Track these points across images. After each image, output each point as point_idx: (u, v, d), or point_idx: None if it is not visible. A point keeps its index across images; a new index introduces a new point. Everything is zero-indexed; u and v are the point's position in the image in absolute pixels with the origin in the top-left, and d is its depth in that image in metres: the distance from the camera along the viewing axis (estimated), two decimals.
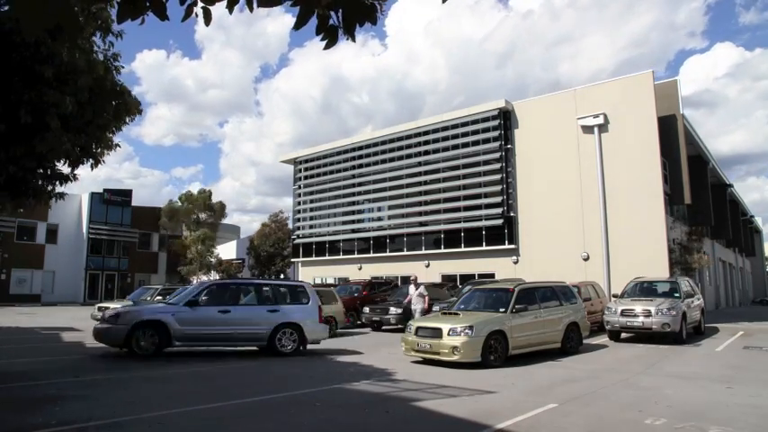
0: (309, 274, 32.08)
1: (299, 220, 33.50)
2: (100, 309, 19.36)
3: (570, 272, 19.21)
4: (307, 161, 33.42)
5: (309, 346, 12.12)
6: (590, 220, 21.71)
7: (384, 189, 28.86)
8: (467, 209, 25.42)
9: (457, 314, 10.85)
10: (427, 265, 26.47)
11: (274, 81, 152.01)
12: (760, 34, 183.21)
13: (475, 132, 25.33)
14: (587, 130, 22.14)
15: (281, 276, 39.87)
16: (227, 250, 45.32)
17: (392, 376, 8.99)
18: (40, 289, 38.48)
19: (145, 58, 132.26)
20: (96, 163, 8.30)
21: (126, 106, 8.19)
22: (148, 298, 19.39)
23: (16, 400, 7.01)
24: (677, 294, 14.34)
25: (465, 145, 25.66)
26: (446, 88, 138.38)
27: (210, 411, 6.45)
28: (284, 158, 35.42)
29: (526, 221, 23.81)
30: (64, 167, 8.17)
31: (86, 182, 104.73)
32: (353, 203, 30.95)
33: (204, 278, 40.10)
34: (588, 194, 21.87)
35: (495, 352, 10.00)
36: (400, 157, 28.28)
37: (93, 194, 41.78)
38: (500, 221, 24.18)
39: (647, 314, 13.43)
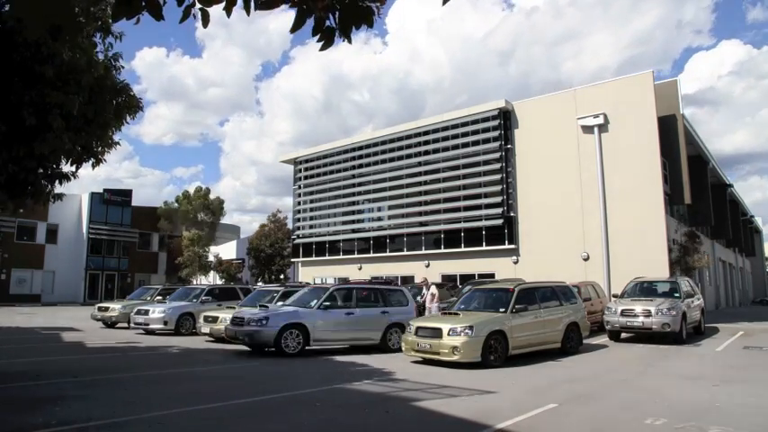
0: (309, 274, 32.08)
1: (298, 220, 33.49)
2: (100, 309, 19.39)
3: (570, 272, 19.19)
4: (307, 161, 33.42)
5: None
6: (590, 220, 21.71)
7: (384, 189, 28.86)
8: (467, 209, 25.42)
9: (457, 314, 10.86)
10: (427, 265, 26.46)
11: (275, 79, 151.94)
12: (767, 31, 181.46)
13: (475, 132, 25.32)
14: (587, 130, 22.13)
15: (282, 277, 39.84)
16: (227, 250, 45.30)
17: (392, 376, 9.00)
18: (40, 289, 38.50)
19: (145, 55, 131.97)
20: (97, 162, 8.31)
21: (127, 104, 8.20)
22: (148, 298, 19.43)
23: (16, 400, 7.01)
24: (677, 294, 14.34)
25: (465, 145, 25.66)
26: (448, 87, 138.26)
27: (210, 411, 6.45)
28: (284, 158, 35.42)
29: (526, 221, 23.81)
30: (65, 167, 8.19)
31: (86, 181, 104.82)
32: (353, 203, 30.95)
33: (203, 279, 40.12)
34: (588, 194, 21.87)
35: (495, 352, 10.00)
36: (400, 157, 28.28)
37: (93, 194, 41.84)
38: (500, 221, 24.17)
39: (647, 314, 13.43)
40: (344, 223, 31.08)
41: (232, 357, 11.44)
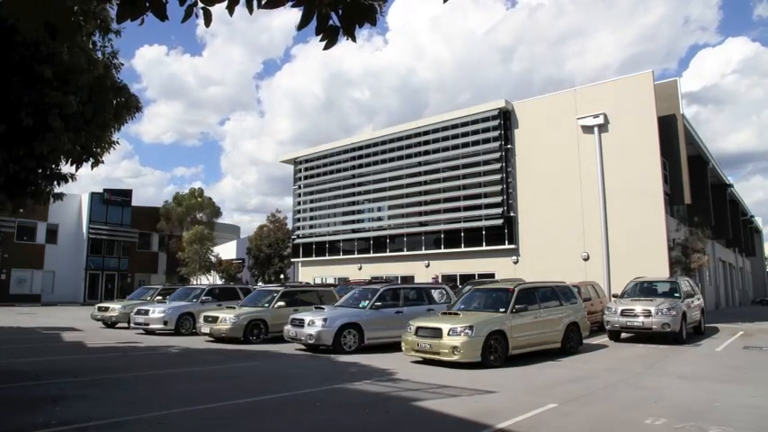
0: (309, 274, 32.09)
1: (298, 220, 33.50)
2: (100, 309, 19.39)
3: (570, 272, 19.20)
4: (307, 161, 33.43)
5: None
6: (590, 220, 21.71)
7: (384, 189, 28.86)
8: (467, 209, 25.42)
9: (457, 314, 10.85)
10: (427, 265, 26.47)
11: (276, 78, 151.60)
12: None
13: (475, 132, 25.32)
14: (587, 130, 22.13)
15: (281, 277, 39.82)
16: (227, 250, 45.31)
17: (392, 376, 9.00)
18: (40, 289, 38.49)
19: (145, 53, 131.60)
20: (96, 162, 8.31)
21: (126, 104, 8.20)
22: (148, 298, 19.43)
23: (16, 400, 7.01)
24: (677, 294, 14.34)
25: (465, 145, 25.66)
26: (451, 84, 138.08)
27: (210, 411, 6.45)
28: (284, 158, 35.43)
29: (526, 221, 23.81)
30: (65, 167, 8.19)
31: (86, 180, 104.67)
32: (353, 203, 30.94)
33: (203, 279, 40.09)
34: (588, 194, 21.87)
35: (495, 352, 10.00)
36: (400, 157, 28.28)
37: (93, 194, 41.84)
38: (500, 221, 24.18)
39: (647, 314, 13.43)
40: (344, 223, 31.08)
41: (232, 357, 11.45)
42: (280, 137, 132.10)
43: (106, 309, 19.09)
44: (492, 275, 22.56)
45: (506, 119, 24.75)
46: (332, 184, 31.72)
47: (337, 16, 2.75)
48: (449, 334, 9.86)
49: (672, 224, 22.77)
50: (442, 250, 26.10)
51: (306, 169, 33.32)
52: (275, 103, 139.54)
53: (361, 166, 30.30)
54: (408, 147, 27.98)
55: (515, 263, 23.68)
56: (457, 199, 25.82)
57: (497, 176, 24.51)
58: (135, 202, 44.58)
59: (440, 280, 17.05)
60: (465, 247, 25.28)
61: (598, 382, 8.37)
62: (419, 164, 27.60)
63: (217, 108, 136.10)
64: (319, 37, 2.81)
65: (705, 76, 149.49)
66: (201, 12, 2.82)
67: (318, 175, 32.61)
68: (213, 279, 40.81)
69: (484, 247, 24.64)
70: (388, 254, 28.53)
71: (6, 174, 7.22)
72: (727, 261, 36.17)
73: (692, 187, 22.53)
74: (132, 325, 16.84)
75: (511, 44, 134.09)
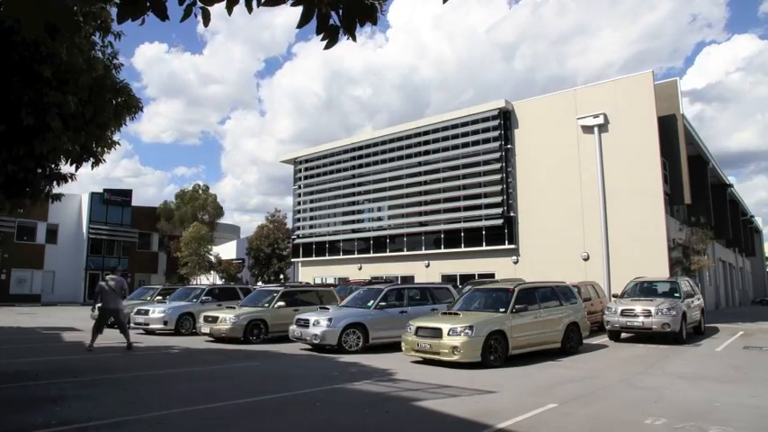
0: (309, 274, 32.08)
1: (298, 220, 33.50)
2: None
3: (570, 272, 19.20)
4: (307, 161, 33.42)
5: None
6: (590, 220, 21.71)
7: (384, 189, 28.86)
8: (467, 209, 25.42)
9: (457, 314, 10.84)
10: (427, 265, 26.47)
11: (277, 76, 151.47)
12: None
13: (475, 132, 25.32)
14: (587, 130, 22.13)
15: (281, 277, 39.81)
16: (226, 250, 45.31)
17: (393, 376, 8.99)
18: (40, 289, 38.50)
19: (145, 51, 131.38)
20: (97, 162, 8.31)
21: (126, 104, 8.20)
22: (148, 298, 19.41)
23: (16, 400, 7.01)
24: (677, 294, 14.33)
25: (465, 145, 25.66)
26: (453, 83, 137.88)
27: (210, 411, 6.45)
28: (284, 158, 35.42)
29: (526, 221, 23.81)
30: (65, 167, 8.18)
31: (85, 180, 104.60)
32: (353, 203, 30.94)
33: (203, 279, 40.06)
34: (588, 194, 21.87)
35: (495, 352, 10.00)
36: (400, 157, 28.28)
37: (93, 194, 41.87)
38: (500, 221, 24.17)
39: (647, 314, 13.43)
40: (344, 223, 31.08)
41: (232, 357, 11.44)
42: (280, 136, 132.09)
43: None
44: (492, 275, 22.56)
45: (506, 119, 24.74)
46: (332, 184, 31.72)
47: (338, 15, 2.74)
48: (449, 334, 9.86)
49: (672, 224, 22.77)
50: (442, 250, 26.10)
51: (306, 169, 33.32)
52: (276, 101, 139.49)
53: (361, 165, 30.30)
54: (408, 147, 27.97)
55: (515, 263, 23.68)
56: (457, 199, 25.82)
57: (497, 176, 24.50)
58: (135, 201, 44.67)
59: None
60: (465, 247, 25.28)
61: (598, 382, 8.37)
62: (419, 164, 27.59)
63: (217, 107, 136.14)
64: (320, 36, 2.81)
65: (710, 74, 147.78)
66: (200, 11, 2.82)
67: (318, 174, 32.61)
68: (213, 279, 40.80)
69: (484, 247, 24.64)
70: (388, 254, 28.53)
71: (5, 173, 7.22)
72: (728, 261, 36.16)
73: (692, 187, 22.52)
74: (132, 325, 16.78)
75: (514, 42, 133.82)
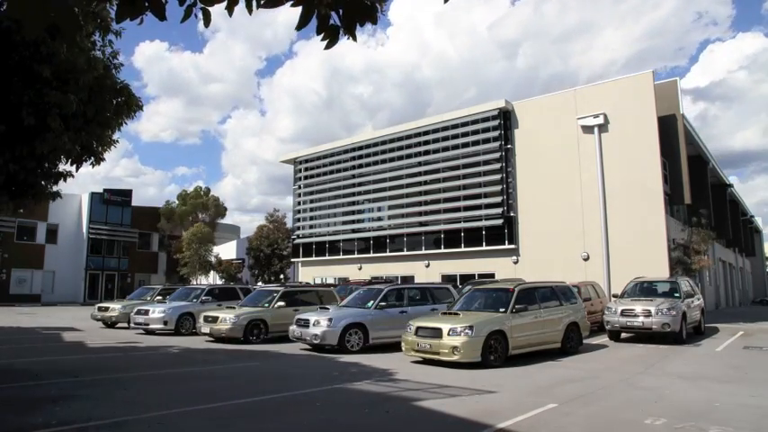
0: (309, 274, 32.08)
1: (298, 220, 33.50)
2: (100, 309, 19.39)
3: (570, 272, 19.20)
4: (307, 161, 33.42)
5: None
6: (590, 220, 21.71)
7: (384, 189, 28.85)
8: (467, 209, 25.41)
9: (457, 314, 10.85)
10: (427, 265, 26.47)
11: (278, 75, 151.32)
12: None
13: (475, 132, 25.32)
14: (587, 129, 22.13)
15: (281, 277, 39.81)
16: (227, 250, 45.30)
17: (393, 376, 8.99)
18: (40, 289, 38.49)
19: (145, 50, 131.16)
20: (97, 161, 8.32)
21: (127, 104, 8.20)
22: (148, 298, 19.43)
23: (16, 400, 7.01)
24: (677, 294, 14.33)
25: (465, 145, 25.66)
26: (455, 81, 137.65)
27: (210, 411, 6.45)
28: (284, 158, 35.42)
29: (526, 221, 23.80)
30: (66, 166, 8.19)
31: (85, 179, 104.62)
32: (353, 203, 30.94)
33: (203, 279, 40.06)
34: (588, 194, 21.87)
35: (496, 352, 9.99)
36: (400, 157, 28.28)
37: (93, 194, 41.86)
38: (500, 221, 24.17)
39: (647, 314, 13.43)
40: (344, 223, 31.07)
41: (232, 357, 11.45)
42: (281, 135, 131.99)
43: (106, 309, 19.10)
44: (492, 275, 22.55)
45: (506, 119, 24.74)
46: (332, 184, 31.72)
47: (338, 16, 2.74)
48: (449, 334, 9.86)
49: (672, 224, 22.77)
50: (442, 250, 26.10)
51: (306, 169, 33.31)
52: (276, 100, 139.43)
53: (361, 165, 30.29)
54: (408, 147, 27.97)
55: (515, 263, 23.68)
56: (457, 199, 25.82)
57: (497, 176, 24.50)
58: (136, 201, 44.69)
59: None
60: (465, 247, 25.27)
61: (598, 382, 8.37)
62: (419, 164, 27.59)
63: (218, 106, 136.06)
64: (320, 36, 2.81)
65: (714, 72, 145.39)
66: (201, 12, 2.82)
67: (318, 175, 32.61)
68: (213, 279, 40.79)
69: (484, 247, 24.64)
70: (388, 254, 28.53)
71: (6, 173, 7.22)
72: (728, 261, 36.17)
73: (692, 187, 22.52)
74: (132, 325, 16.84)
75: (516, 40, 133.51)
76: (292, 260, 34.91)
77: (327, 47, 2.86)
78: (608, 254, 21.06)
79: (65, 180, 8.37)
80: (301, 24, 2.72)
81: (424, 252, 26.83)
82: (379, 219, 29.36)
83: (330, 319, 12.06)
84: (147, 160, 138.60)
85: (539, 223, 23.19)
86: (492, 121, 24.81)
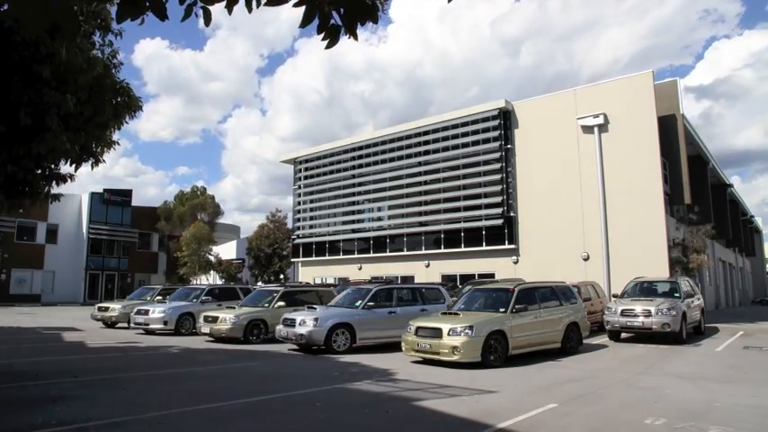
0: (309, 274, 32.08)
1: (298, 220, 33.50)
2: (100, 309, 19.39)
3: (570, 272, 19.20)
4: (307, 161, 33.43)
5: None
6: (590, 220, 21.71)
7: (384, 189, 28.87)
8: (467, 209, 25.42)
9: (457, 314, 10.84)
10: (427, 265, 26.47)
11: (278, 73, 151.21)
12: None
13: (475, 132, 25.33)
14: (587, 130, 22.14)
15: (281, 277, 39.80)
16: (226, 250, 45.30)
17: (393, 376, 8.99)
18: (40, 289, 38.49)
19: (144, 48, 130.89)
20: (96, 162, 8.30)
21: (126, 104, 8.18)
22: (148, 298, 19.43)
23: (16, 400, 7.01)
24: (677, 294, 14.33)
25: (465, 145, 25.67)
26: (457, 79, 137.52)
27: (210, 411, 6.45)
28: (284, 158, 35.43)
29: (526, 221, 23.81)
30: (65, 167, 8.17)
31: (84, 179, 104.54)
32: (353, 203, 30.95)
33: (203, 279, 40.04)
34: (588, 194, 21.88)
35: (496, 352, 9.99)
36: (400, 157, 28.29)
37: (93, 194, 41.87)
38: (500, 221, 24.18)
39: (647, 314, 13.43)
40: (344, 223, 31.08)
41: (232, 357, 11.44)
42: (281, 134, 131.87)
43: (106, 309, 19.09)
44: (492, 275, 22.57)
45: (506, 119, 24.75)
46: (332, 184, 31.73)
47: (339, 15, 2.74)
48: (449, 334, 9.85)
49: (672, 224, 22.78)
50: (442, 250, 26.10)
51: (306, 169, 33.32)
52: (277, 98, 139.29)
53: (361, 165, 30.30)
54: (408, 147, 27.98)
55: (515, 263, 23.68)
56: (457, 199, 25.82)
57: (497, 176, 24.51)
58: (136, 201, 44.73)
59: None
60: (465, 247, 25.28)
61: (598, 382, 8.37)
62: (419, 164, 27.60)
63: (218, 104, 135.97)
64: (321, 35, 2.81)
65: (719, 70, 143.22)
66: (201, 11, 2.82)
67: (318, 174, 32.62)
68: (213, 279, 40.78)
69: (484, 247, 24.64)
70: (388, 254, 28.53)
71: (5, 174, 7.21)
72: (727, 261, 36.18)
73: (692, 187, 22.54)
74: (132, 325, 16.84)
75: (519, 37, 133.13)
76: (292, 260, 34.92)
77: (328, 46, 2.86)
78: (608, 254, 21.06)
79: (65, 182, 8.35)
80: (305, 23, 2.72)
81: (424, 252, 26.83)
82: (380, 219, 29.37)
83: (316, 319, 11.88)
84: (146, 159, 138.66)
85: (539, 223, 23.19)
86: (492, 121, 24.81)
